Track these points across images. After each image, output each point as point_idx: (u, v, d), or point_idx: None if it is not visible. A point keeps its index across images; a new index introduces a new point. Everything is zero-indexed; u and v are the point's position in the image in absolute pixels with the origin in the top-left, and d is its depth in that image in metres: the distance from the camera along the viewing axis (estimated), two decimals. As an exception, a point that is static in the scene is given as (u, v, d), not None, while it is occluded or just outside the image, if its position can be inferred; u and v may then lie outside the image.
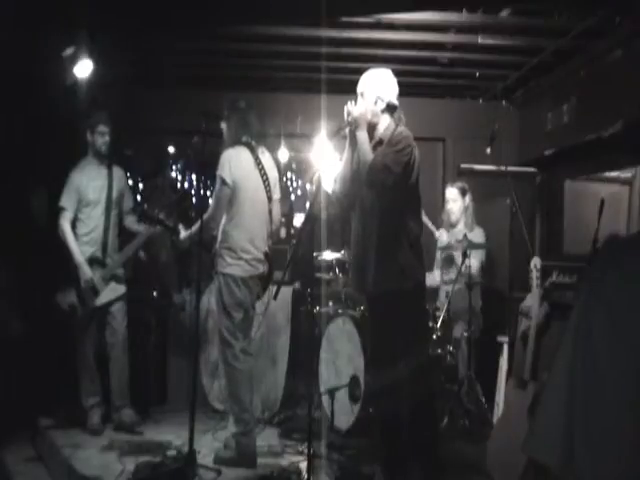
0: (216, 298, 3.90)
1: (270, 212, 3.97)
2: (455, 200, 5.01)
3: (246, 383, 3.85)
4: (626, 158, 4.56)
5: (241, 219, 3.83)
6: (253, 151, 3.92)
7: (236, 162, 3.83)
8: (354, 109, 3.31)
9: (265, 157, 4.00)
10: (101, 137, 4.48)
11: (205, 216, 3.78)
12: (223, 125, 3.97)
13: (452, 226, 5.06)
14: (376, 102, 3.36)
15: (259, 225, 3.91)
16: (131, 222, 4.67)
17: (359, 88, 3.41)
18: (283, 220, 5.78)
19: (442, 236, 5.17)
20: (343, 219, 4.84)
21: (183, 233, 3.97)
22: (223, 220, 3.89)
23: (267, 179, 3.95)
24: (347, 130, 3.36)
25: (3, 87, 4.24)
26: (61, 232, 4.37)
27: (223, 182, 3.78)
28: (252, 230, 3.86)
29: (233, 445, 3.85)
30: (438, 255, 5.16)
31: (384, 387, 3.30)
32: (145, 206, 5.28)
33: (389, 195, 3.25)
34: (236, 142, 3.90)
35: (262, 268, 3.90)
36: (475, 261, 4.80)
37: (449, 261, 5.04)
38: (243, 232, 3.83)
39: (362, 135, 3.30)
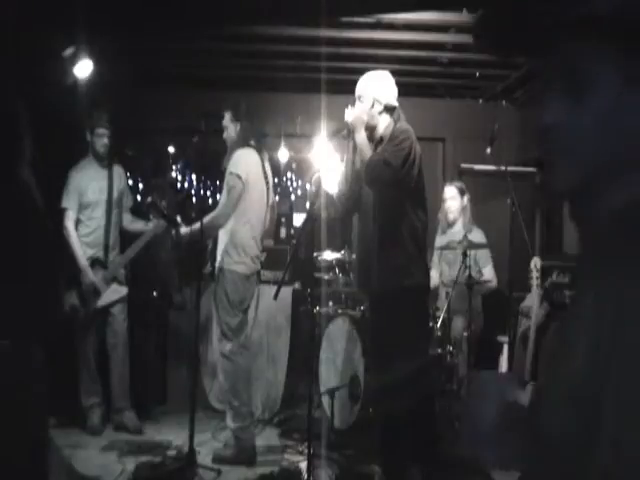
0: (219, 294, 3.93)
1: (266, 214, 4.10)
2: (453, 198, 4.97)
3: (245, 378, 3.94)
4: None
5: (248, 218, 3.95)
6: (260, 155, 4.06)
7: (248, 163, 3.95)
8: (349, 113, 3.34)
9: (267, 162, 4.14)
10: (100, 139, 4.46)
11: (216, 212, 3.91)
12: (231, 127, 4.01)
13: (449, 226, 5.02)
14: (373, 105, 3.37)
15: (261, 225, 4.05)
16: (129, 222, 4.66)
17: (357, 91, 3.42)
18: (283, 220, 5.78)
19: (439, 237, 5.14)
20: (343, 219, 4.83)
21: (184, 228, 3.99)
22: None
23: (268, 182, 4.09)
24: (345, 132, 3.38)
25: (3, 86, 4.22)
26: (66, 233, 4.36)
27: (238, 178, 3.86)
28: (256, 229, 4.00)
29: (233, 443, 3.86)
30: (435, 256, 5.13)
31: (384, 386, 3.30)
32: (154, 195, 5.28)
33: (390, 190, 3.26)
34: (245, 144, 4.00)
35: (260, 265, 4.06)
36: (488, 270, 4.86)
37: (449, 261, 5.02)
38: (249, 230, 3.95)
39: (359, 137, 3.33)
